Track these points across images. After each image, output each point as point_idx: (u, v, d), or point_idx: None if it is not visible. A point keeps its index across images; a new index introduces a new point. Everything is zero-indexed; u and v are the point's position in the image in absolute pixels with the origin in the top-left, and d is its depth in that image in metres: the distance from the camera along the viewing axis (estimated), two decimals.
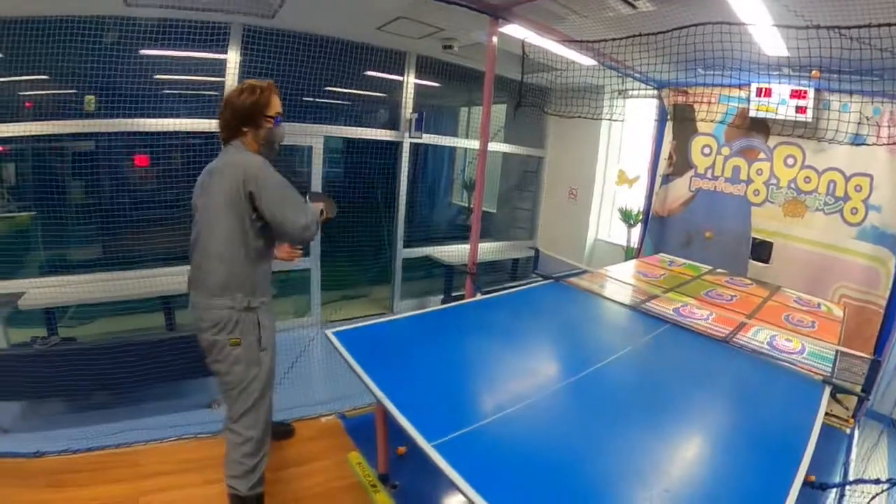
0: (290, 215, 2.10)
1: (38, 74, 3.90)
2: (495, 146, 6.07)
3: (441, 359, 2.26)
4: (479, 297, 3.35)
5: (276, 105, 2.23)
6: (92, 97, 4.03)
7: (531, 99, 4.02)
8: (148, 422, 3.24)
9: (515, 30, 3.63)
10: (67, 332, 4.13)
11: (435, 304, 5.86)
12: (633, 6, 3.40)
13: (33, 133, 3.88)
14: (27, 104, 4.00)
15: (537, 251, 4.29)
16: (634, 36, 3.13)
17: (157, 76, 4.21)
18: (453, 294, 5.71)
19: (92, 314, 4.38)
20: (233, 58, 4.24)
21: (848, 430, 3.10)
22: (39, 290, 3.99)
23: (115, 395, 3.54)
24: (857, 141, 3.71)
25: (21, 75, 3.88)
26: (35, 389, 3.32)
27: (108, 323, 4.41)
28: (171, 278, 4.18)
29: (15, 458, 2.78)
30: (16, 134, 3.84)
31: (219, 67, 4.28)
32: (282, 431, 3.01)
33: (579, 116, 3.94)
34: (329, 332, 2.27)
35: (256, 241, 2.14)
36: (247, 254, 2.12)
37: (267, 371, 2.24)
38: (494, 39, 3.54)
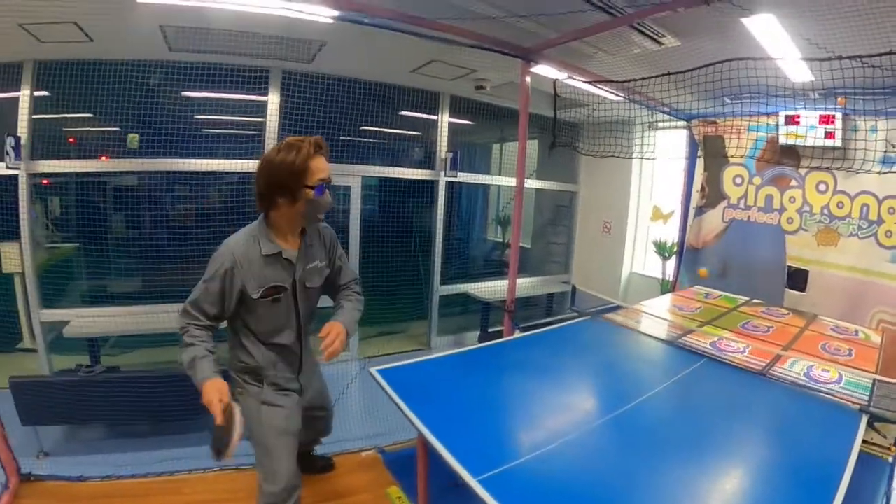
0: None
1: (83, 112, 4.16)
2: (529, 182, 6.11)
3: (483, 396, 2.29)
4: (517, 334, 3.38)
5: (318, 169, 1.87)
6: (135, 135, 4.24)
7: (564, 138, 4.08)
8: (188, 451, 3.30)
9: (545, 69, 3.72)
10: (109, 360, 4.27)
11: (471, 339, 5.90)
12: (659, 43, 3.49)
13: (78, 170, 4.11)
14: (70, 140, 4.24)
15: (574, 288, 4.32)
16: (663, 75, 3.19)
17: (200, 116, 4.43)
18: (489, 330, 5.72)
19: (133, 344, 4.54)
20: (273, 100, 4.44)
21: (890, 459, 3.03)
22: (84, 320, 4.18)
23: (155, 423, 3.65)
24: (885, 165, 3.70)
25: (67, 113, 4.14)
26: (78, 415, 3.43)
27: (148, 353, 4.56)
28: None
29: (59, 481, 2.87)
30: (61, 170, 4.06)
31: (260, 109, 4.49)
32: (322, 465, 3.05)
33: (613, 156, 3.99)
34: (373, 370, 2.33)
35: (235, 319, 2.05)
36: (228, 328, 2.09)
37: (264, 434, 2.08)
38: (528, 80, 3.64)
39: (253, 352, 2.06)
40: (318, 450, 3.04)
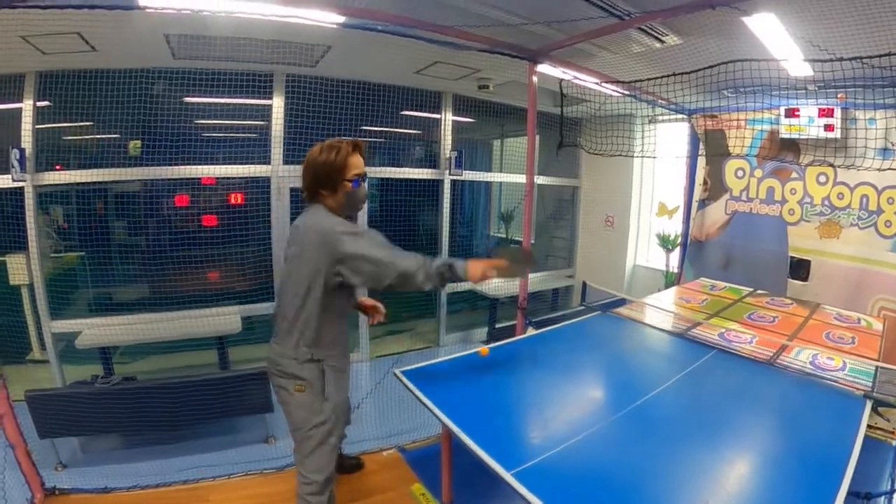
0: (383, 263, 1.99)
1: (86, 121, 4.11)
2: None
3: (505, 393, 2.35)
4: (531, 331, 3.43)
5: (355, 165, 2.11)
6: (137, 142, 4.23)
7: (569, 136, 4.12)
8: (210, 458, 3.34)
9: (550, 69, 3.75)
10: (120, 368, 4.27)
11: (480, 336, 5.95)
12: (662, 41, 3.54)
13: (79, 181, 4.08)
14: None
15: (584, 284, 4.37)
16: (669, 76, 3.24)
17: (204, 122, 4.43)
18: (497, 326, 5.76)
19: (142, 351, 4.53)
20: (278, 103, 4.46)
21: (894, 443, 3.10)
22: (96, 330, 4.17)
23: (173, 431, 3.66)
24: (886, 156, 3.76)
25: (69, 123, 4.10)
26: (96, 426, 3.43)
27: (158, 360, 4.56)
28: (223, 318, 4.32)
29: (84, 493, 2.87)
30: (66, 181, 4.05)
31: (265, 113, 4.52)
32: (351, 465, 3.10)
33: (619, 154, 4.04)
34: (397, 372, 2.38)
35: (329, 299, 2.09)
36: (317, 309, 2.08)
37: (329, 421, 2.19)
38: (535, 80, 3.66)
39: (337, 327, 2.19)
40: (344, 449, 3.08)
